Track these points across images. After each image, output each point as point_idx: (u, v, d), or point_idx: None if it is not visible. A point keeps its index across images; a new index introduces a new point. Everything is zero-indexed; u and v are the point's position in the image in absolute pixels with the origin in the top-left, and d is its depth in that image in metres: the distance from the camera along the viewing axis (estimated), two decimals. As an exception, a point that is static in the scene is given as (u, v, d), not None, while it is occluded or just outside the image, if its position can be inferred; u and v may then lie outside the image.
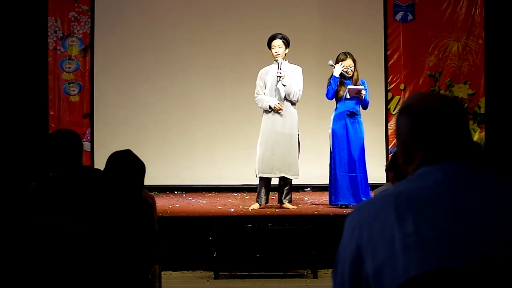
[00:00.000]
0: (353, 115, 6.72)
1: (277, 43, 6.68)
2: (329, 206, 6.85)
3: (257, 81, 6.78)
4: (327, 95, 6.76)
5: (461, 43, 8.71)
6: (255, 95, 6.81)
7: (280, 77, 6.58)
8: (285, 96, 6.63)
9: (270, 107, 6.65)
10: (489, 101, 8.69)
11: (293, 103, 6.70)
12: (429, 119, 1.53)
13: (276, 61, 6.64)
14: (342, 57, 6.76)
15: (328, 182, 6.91)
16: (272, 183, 6.90)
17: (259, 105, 6.78)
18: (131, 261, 2.40)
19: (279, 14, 8.70)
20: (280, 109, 6.63)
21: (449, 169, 1.49)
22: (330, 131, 6.80)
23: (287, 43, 6.71)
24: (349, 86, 6.62)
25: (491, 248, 1.37)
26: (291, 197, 6.88)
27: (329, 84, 6.72)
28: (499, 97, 8.59)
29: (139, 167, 3.34)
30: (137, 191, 3.32)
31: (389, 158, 8.43)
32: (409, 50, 8.75)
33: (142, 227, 2.46)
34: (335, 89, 6.69)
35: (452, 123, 1.52)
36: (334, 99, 6.79)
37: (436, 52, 8.73)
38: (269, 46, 6.73)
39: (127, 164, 3.29)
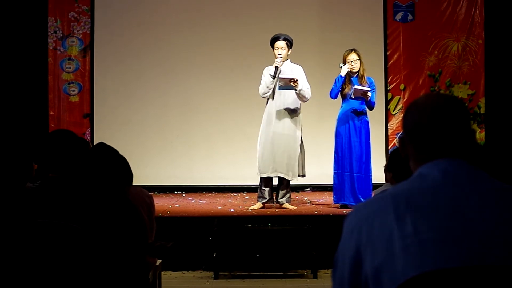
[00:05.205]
0: (359, 114, 6.70)
1: (280, 44, 6.64)
2: (331, 206, 6.86)
3: (262, 77, 6.74)
4: (330, 93, 6.74)
5: (461, 43, 8.71)
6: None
7: (274, 76, 6.56)
8: (297, 93, 6.57)
9: (272, 75, 6.56)
10: (489, 101, 8.69)
11: (297, 107, 6.68)
12: (422, 115, 1.53)
13: (277, 67, 6.60)
14: (346, 52, 6.74)
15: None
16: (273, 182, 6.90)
17: (264, 90, 6.61)
18: (130, 261, 2.40)
19: (279, 15, 8.70)
20: (278, 63, 6.54)
21: (448, 170, 1.49)
22: (334, 130, 6.80)
23: (290, 44, 6.69)
24: (355, 86, 6.59)
25: (490, 248, 1.37)
26: (290, 197, 6.86)
27: (334, 83, 6.71)
28: (499, 97, 8.60)
29: (113, 158, 3.34)
30: (122, 183, 3.32)
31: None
32: (409, 50, 8.75)
33: (134, 220, 2.47)
34: (339, 88, 6.67)
35: (449, 120, 1.52)
36: (340, 98, 6.77)
37: (436, 52, 8.73)
38: (272, 46, 6.71)
39: (102, 157, 3.29)
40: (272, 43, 6.71)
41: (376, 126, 8.14)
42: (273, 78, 6.58)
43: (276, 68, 6.57)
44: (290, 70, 6.69)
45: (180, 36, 8.77)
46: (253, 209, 6.71)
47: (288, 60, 6.73)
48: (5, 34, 8.38)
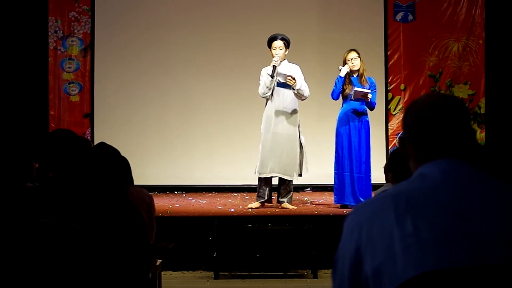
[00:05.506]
0: (359, 114, 6.70)
1: (278, 44, 6.65)
2: (331, 206, 6.87)
3: (260, 77, 6.75)
4: (332, 95, 6.74)
5: (461, 43, 8.71)
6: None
7: (272, 76, 6.55)
8: (295, 93, 6.57)
9: (270, 75, 6.54)
10: (489, 101, 8.69)
11: (295, 108, 6.68)
12: (422, 115, 1.53)
13: (274, 66, 6.57)
14: (346, 53, 6.74)
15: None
16: (273, 182, 6.89)
17: (264, 90, 6.59)
18: (131, 261, 2.41)
19: (279, 15, 8.70)
20: (275, 62, 6.53)
21: (448, 170, 1.49)
22: (335, 130, 6.80)
23: (287, 44, 6.70)
24: (355, 88, 6.58)
25: (490, 248, 1.37)
26: (291, 198, 6.85)
27: (335, 84, 6.72)
28: (499, 97, 8.60)
29: (114, 157, 3.33)
30: (122, 183, 3.31)
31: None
32: (409, 50, 8.74)
33: (135, 221, 2.47)
34: (340, 89, 6.68)
35: (449, 120, 1.52)
36: (340, 98, 6.77)
37: (436, 52, 8.72)
38: (269, 46, 6.72)
39: (102, 157, 3.29)
40: (270, 43, 6.71)
41: (376, 126, 8.15)
42: (272, 78, 6.57)
43: (274, 67, 6.57)
44: (288, 70, 6.69)
45: (180, 36, 8.77)
46: (251, 207, 6.71)
47: (286, 60, 6.73)
48: (5, 34, 8.38)
